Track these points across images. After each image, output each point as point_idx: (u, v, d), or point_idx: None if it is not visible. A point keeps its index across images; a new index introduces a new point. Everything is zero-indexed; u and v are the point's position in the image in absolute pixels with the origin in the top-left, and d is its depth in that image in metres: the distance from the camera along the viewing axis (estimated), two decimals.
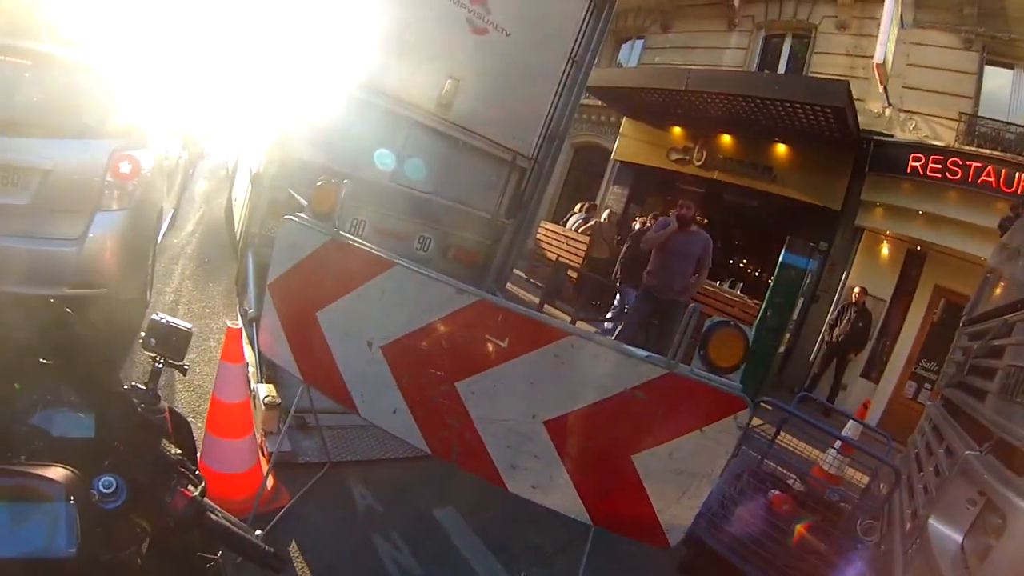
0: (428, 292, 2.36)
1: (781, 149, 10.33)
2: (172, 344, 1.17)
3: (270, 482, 2.80)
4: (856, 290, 8.91)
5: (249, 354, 3.44)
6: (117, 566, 0.89)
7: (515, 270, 7.37)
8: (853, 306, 8.82)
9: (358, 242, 2.48)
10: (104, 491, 0.88)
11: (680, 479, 2.00)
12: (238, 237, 5.10)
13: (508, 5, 4.85)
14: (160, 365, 1.17)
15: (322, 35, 4.21)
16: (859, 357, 9.22)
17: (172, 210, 5.63)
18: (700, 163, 11.31)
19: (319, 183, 2.58)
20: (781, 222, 10.01)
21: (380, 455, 3.40)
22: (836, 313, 9.11)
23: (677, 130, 11.70)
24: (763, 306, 8.07)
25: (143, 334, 1.16)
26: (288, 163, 4.24)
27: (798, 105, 8.64)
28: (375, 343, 2.45)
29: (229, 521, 1.02)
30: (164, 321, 1.17)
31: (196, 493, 1.00)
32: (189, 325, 1.20)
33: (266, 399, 3.15)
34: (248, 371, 3.12)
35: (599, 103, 12.74)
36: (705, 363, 1.99)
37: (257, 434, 3.02)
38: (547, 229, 11.29)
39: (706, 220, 10.14)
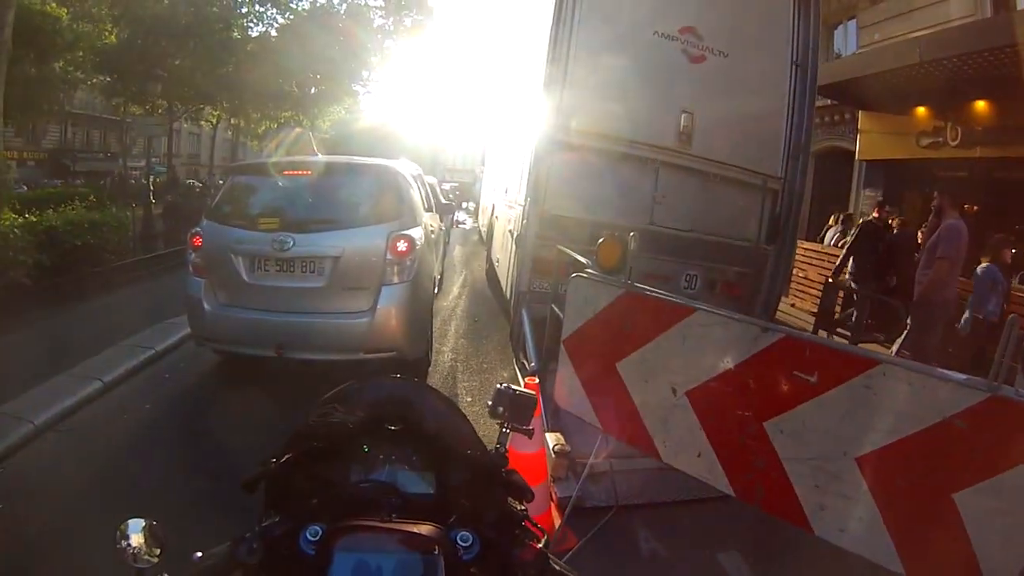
0: (732, 333, 2.38)
1: None
2: (518, 410, 1.30)
3: (557, 525, 2.94)
4: None
5: None
6: None
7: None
8: None
9: (653, 291, 2.56)
10: (462, 544, 1.00)
11: (1008, 521, 1.78)
12: (507, 296, 5.61)
13: (717, 26, 4.77)
14: (507, 430, 1.30)
15: (560, 93, 4.51)
16: None
17: (438, 276, 6.40)
18: (956, 142, 9.63)
19: (601, 240, 2.73)
20: None
21: (665, 497, 3.36)
22: None
23: (921, 110, 10.13)
24: None
25: (490, 402, 1.31)
26: (547, 220, 4.52)
27: None
28: (679, 389, 2.49)
29: (568, 571, 1.07)
30: (509, 390, 1.31)
31: (541, 545, 1.08)
32: (532, 392, 1.33)
33: (555, 448, 3.32)
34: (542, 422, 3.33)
35: (829, 102, 11.64)
36: None
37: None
38: (803, 249, 10.20)
39: (975, 207, 8.64)
